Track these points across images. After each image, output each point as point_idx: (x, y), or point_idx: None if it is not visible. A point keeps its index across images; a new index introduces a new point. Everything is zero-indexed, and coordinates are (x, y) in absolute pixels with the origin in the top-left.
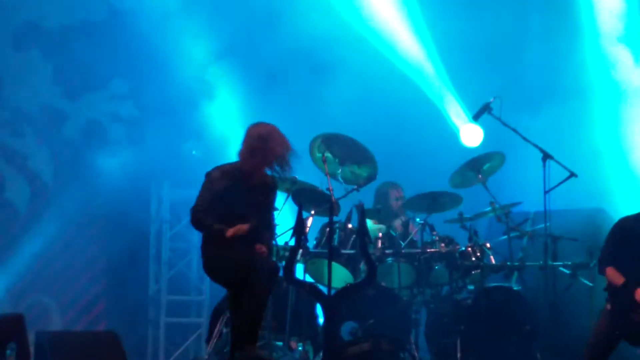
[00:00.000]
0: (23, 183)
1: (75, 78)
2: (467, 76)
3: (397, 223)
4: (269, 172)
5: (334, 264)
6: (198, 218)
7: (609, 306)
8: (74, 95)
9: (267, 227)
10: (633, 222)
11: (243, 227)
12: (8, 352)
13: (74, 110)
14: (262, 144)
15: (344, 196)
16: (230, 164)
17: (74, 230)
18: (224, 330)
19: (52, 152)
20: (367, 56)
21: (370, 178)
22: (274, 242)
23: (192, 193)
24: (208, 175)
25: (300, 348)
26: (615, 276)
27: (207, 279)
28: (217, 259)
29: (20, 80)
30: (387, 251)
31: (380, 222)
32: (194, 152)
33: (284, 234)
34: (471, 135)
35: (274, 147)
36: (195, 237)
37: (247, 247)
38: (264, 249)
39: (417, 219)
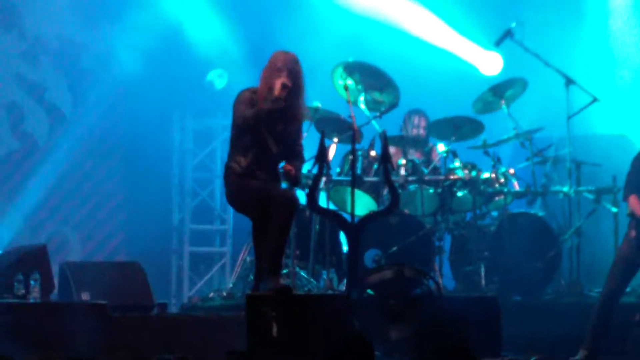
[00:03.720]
0: (42, 114)
1: (93, 8)
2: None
3: (419, 150)
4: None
5: (357, 192)
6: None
7: (633, 233)
8: (91, 26)
9: (294, 157)
10: None
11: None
12: (32, 282)
13: (91, 40)
14: (266, 68)
15: (367, 123)
16: (254, 88)
17: (94, 160)
18: (248, 258)
19: (70, 83)
20: None
21: (393, 105)
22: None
23: (215, 122)
24: (238, 95)
25: (324, 276)
26: (636, 206)
27: (231, 209)
28: (240, 188)
29: (37, 11)
30: (410, 178)
31: (402, 150)
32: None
33: (306, 162)
34: (491, 64)
35: (271, 69)
36: (218, 167)
37: (268, 177)
38: (288, 167)
39: (440, 145)
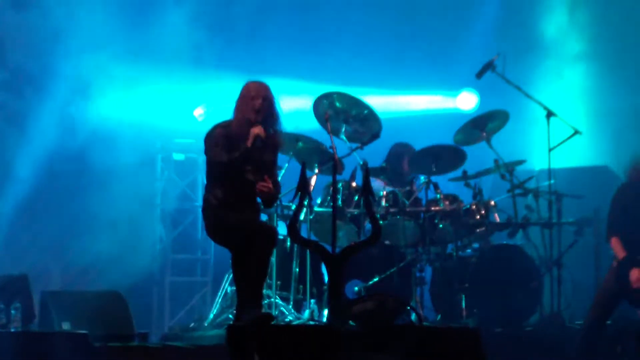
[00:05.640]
0: (24, 143)
1: (75, 37)
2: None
3: (400, 182)
4: (269, 130)
5: (339, 223)
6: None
7: (615, 263)
8: (73, 56)
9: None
10: (634, 188)
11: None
12: (13, 311)
13: (74, 71)
14: (239, 99)
15: (348, 155)
16: (227, 122)
17: (75, 189)
18: (229, 289)
19: (52, 112)
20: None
21: (374, 136)
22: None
23: (197, 151)
24: (210, 133)
25: (306, 306)
26: (617, 248)
27: None
28: (218, 221)
29: (20, 40)
30: (391, 209)
31: (386, 181)
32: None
33: (287, 193)
34: (467, 101)
35: (244, 99)
36: (199, 196)
37: (247, 207)
38: (268, 184)
39: (422, 177)
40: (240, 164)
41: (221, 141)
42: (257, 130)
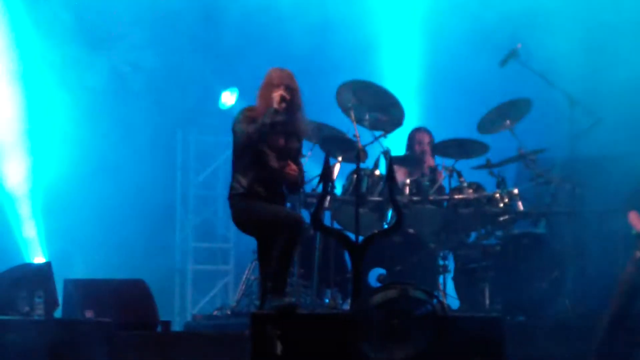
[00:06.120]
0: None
1: (97, 27)
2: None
3: (425, 169)
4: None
5: (362, 211)
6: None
7: (638, 253)
8: (95, 45)
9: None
10: None
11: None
12: (36, 299)
13: (96, 59)
14: (262, 86)
15: (371, 143)
16: (253, 106)
17: (97, 178)
18: (252, 277)
19: (74, 102)
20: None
21: (397, 124)
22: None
23: (219, 140)
24: (237, 117)
25: (328, 295)
26: (636, 222)
27: (233, 226)
28: (244, 209)
29: (42, 29)
30: (414, 197)
31: (408, 169)
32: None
33: (311, 181)
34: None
35: (267, 87)
36: (221, 185)
37: (271, 195)
38: (293, 166)
39: (444, 163)
40: (270, 130)
41: (247, 120)
42: (279, 91)
